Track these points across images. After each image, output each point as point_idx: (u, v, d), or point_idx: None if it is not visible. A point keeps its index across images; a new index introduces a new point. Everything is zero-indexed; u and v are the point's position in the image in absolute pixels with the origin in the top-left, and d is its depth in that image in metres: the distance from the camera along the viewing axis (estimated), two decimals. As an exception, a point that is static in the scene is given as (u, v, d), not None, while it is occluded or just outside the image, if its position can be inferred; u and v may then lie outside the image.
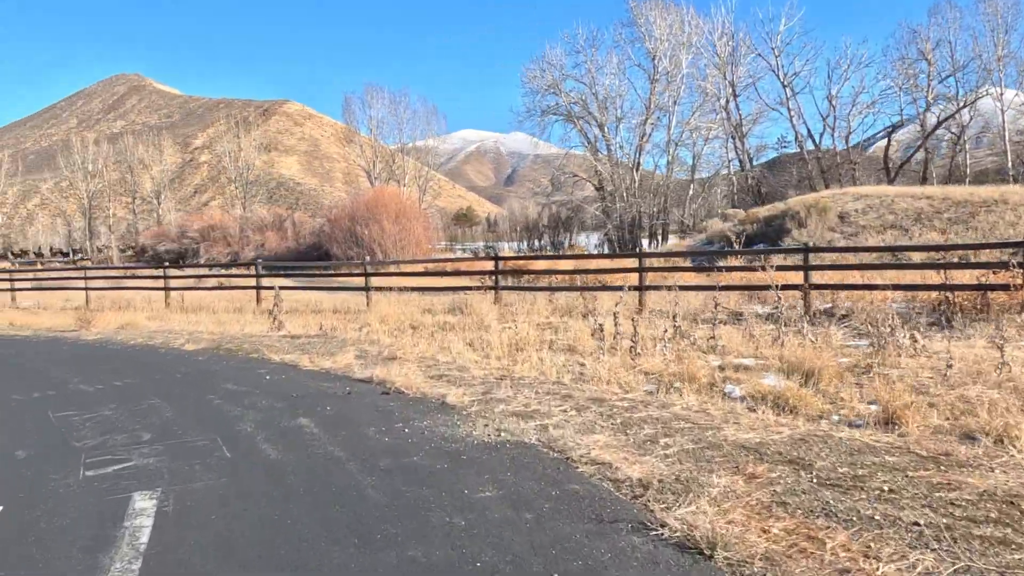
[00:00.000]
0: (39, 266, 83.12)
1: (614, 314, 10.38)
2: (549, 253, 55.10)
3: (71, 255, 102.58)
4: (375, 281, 20.76)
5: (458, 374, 9.01)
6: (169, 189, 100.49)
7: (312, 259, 66.71)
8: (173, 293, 24.12)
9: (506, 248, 74.48)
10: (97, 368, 10.71)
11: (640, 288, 16.31)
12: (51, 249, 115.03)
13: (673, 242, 63.84)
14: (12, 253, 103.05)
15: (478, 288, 19.21)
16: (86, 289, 25.73)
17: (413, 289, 20.30)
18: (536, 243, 73.52)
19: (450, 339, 12.41)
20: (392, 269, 24.56)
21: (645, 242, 63.78)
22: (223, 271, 41.18)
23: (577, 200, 74.95)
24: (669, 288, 16.26)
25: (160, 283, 26.24)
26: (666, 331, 10.09)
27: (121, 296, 26.43)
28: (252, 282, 24.93)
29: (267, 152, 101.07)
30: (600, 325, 10.16)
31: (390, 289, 19.99)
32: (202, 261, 78.44)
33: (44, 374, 10.36)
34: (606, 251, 63.82)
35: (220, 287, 26.89)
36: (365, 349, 11.46)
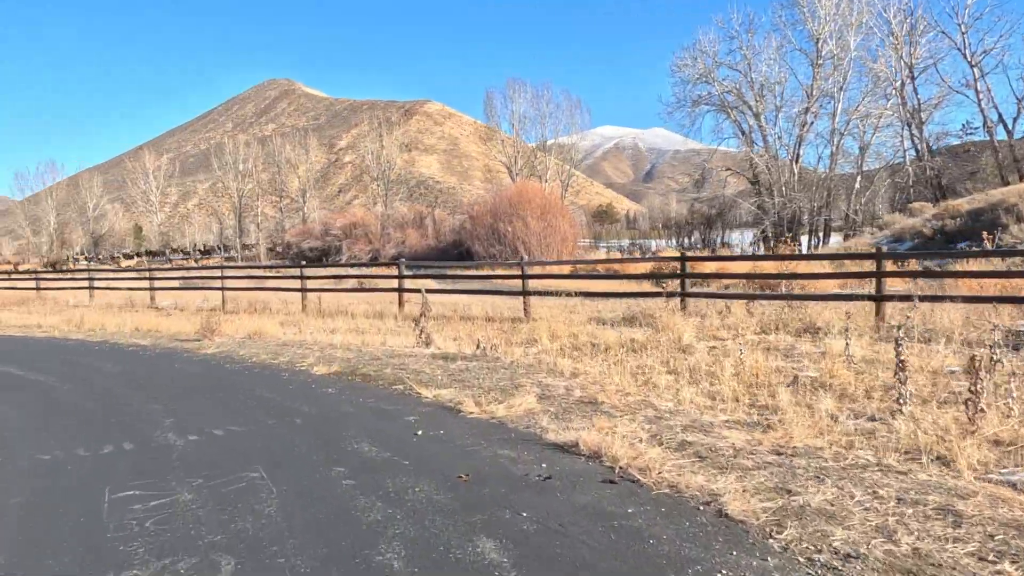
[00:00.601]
0: (172, 263, 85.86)
1: (845, 331, 6.98)
2: (725, 253, 50.88)
3: (212, 252, 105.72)
4: (531, 284, 17.88)
5: (704, 439, 5.89)
6: (314, 188, 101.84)
7: (452, 257, 65.04)
8: (310, 295, 22.07)
9: (654, 246, 70.72)
10: (202, 402, 8.21)
11: (879, 298, 12.68)
12: (203, 246, 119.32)
13: (837, 241, 58.37)
14: (171, 249, 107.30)
15: (655, 294, 16.01)
16: (222, 289, 24.13)
17: (577, 294, 17.30)
18: (686, 240, 69.48)
19: (648, 365, 9.31)
20: (554, 270, 21.72)
21: (804, 240, 58.68)
22: (364, 270, 39.61)
23: (729, 196, 70.34)
24: (906, 298, 12.61)
25: (296, 284, 24.38)
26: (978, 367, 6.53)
27: (256, 298, 24.74)
28: (394, 283, 22.65)
29: (408, 151, 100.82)
30: (847, 349, 6.75)
31: (547, 293, 17.06)
32: (344, 259, 78.51)
33: (135, 410, 7.93)
34: (760, 250, 59.03)
35: (360, 288, 24.77)
36: (545, 382, 8.50)
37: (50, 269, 69.62)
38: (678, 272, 15.44)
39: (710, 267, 20.38)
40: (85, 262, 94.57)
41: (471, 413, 7.10)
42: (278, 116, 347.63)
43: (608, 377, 8.57)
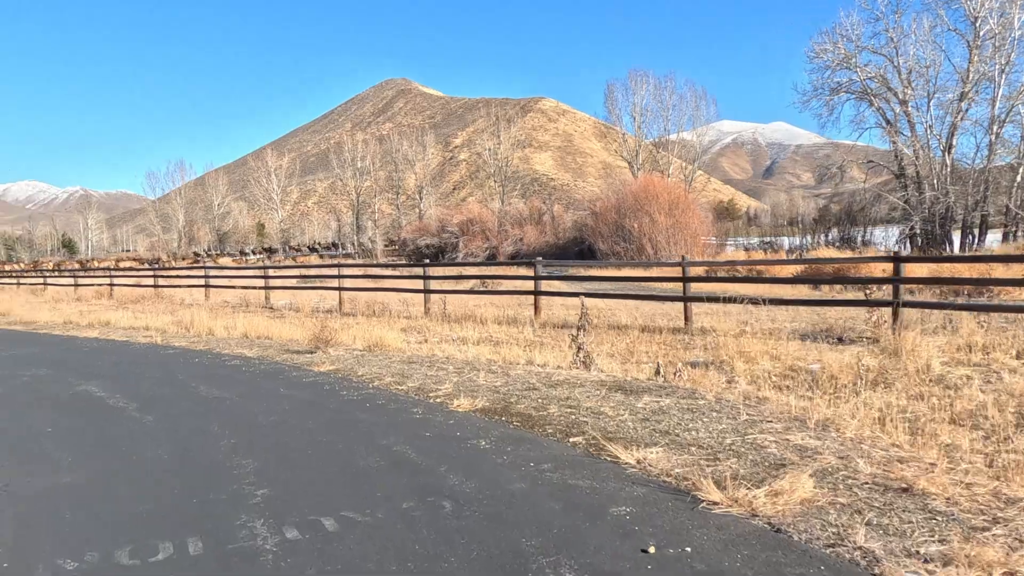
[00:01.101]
0: (280, 259, 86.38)
1: None
2: (875, 254, 46.50)
3: (331, 249, 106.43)
4: (661, 285, 15.08)
5: None
6: (431, 185, 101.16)
7: (573, 255, 62.47)
8: (434, 296, 19.93)
9: (787, 244, 66.25)
10: (310, 459, 5.90)
11: None
12: (321, 244, 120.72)
13: (995, 239, 52.68)
14: (290, 247, 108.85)
15: (858, 303, 13.00)
16: (339, 289, 22.30)
17: (746, 300, 14.43)
18: (821, 238, 64.81)
19: (902, 406, 6.51)
20: (723, 271, 18.84)
21: (956, 238, 53.41)
22: (490, 269, 37.50)
23: (870, 190, 65.09)
24: None
25: (417, 283, 22.35)
26: None
27: (375, 299, 22.84)
28: (524, 284, 20.33)
29: (522, 148, 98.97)
30: None
31: (724, 299, 14.22)
32: (460, 256, 77.06)
33: (219, 468, 5.70)
34: (908, 249, 53.97)
35: (484, 290, 22.51)
36: (793, 441, 5.80)
37: (154, 265, 70.85)
38: (891, 276, 12.35)
39: (922, 270, 17.11)
40: (206, 257, 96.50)
41: (715, 505, 4.48)
42: (395, 115, 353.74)
43: (888, 437, 5.81)
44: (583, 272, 25.44)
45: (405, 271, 27.70)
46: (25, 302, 29.29)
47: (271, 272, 26.24)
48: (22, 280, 39.22)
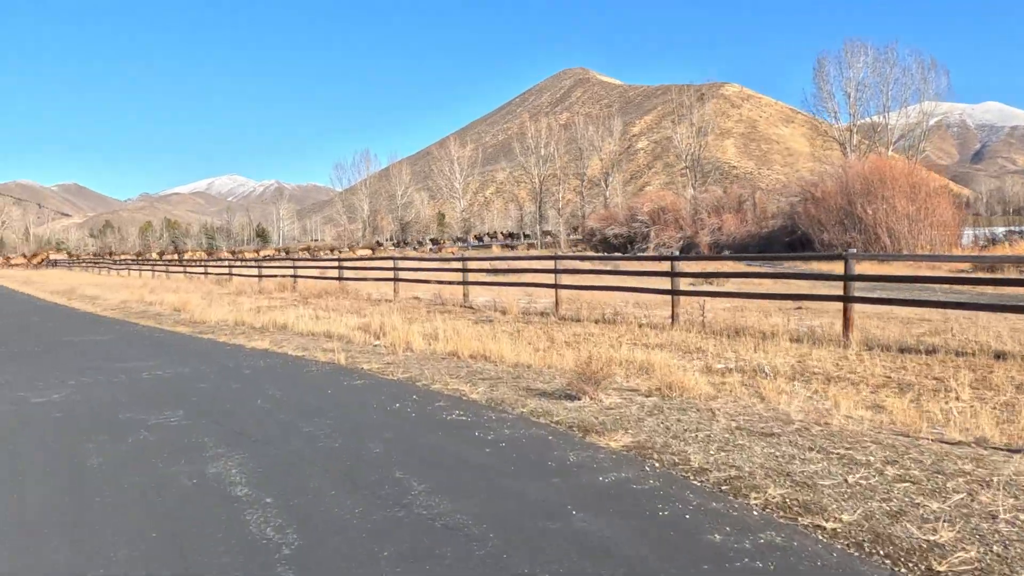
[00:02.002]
0: (452, 250, 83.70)
1: None
2: None
3: (514, 238, 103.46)
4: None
5: None
6: (615, 172, 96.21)
7: (781, 245, 55.71)
8: (681, 299, 15.20)
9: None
10: None
11: None
12: (501, 233, 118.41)
13: None
14: (475, 236, 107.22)
15: None
16: (556, 287, 17.95)
17: None
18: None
19: None
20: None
21: None
22: (723, 264, 32.28)
23: None
24: None
25: (654, 281, 17.67)
26: None
27: (597, 299, 18.41)
28: (814, 288, 15.31)
29: (703, 135, 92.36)
30: None
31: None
32: (651, 246, 71.71)
33: None
34: None
35: (724, 291, 17.53)
36: None
37: (315, 256, 69.66)
38: None
39: None
40: (392, 248, 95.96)
41: None
42: (572, 105, 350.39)
43: None
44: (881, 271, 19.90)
45: (629, 264, 23.05)
46: (206, 294, 26.98)
47: (470, 265, 22.41)
48: (209, 269, 37.83)
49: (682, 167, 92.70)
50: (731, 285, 20.66)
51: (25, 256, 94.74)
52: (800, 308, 18.21)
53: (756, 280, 20.55)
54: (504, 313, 17.96)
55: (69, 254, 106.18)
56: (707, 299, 16.41)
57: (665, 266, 17.00)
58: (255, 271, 31.84)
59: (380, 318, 16.11)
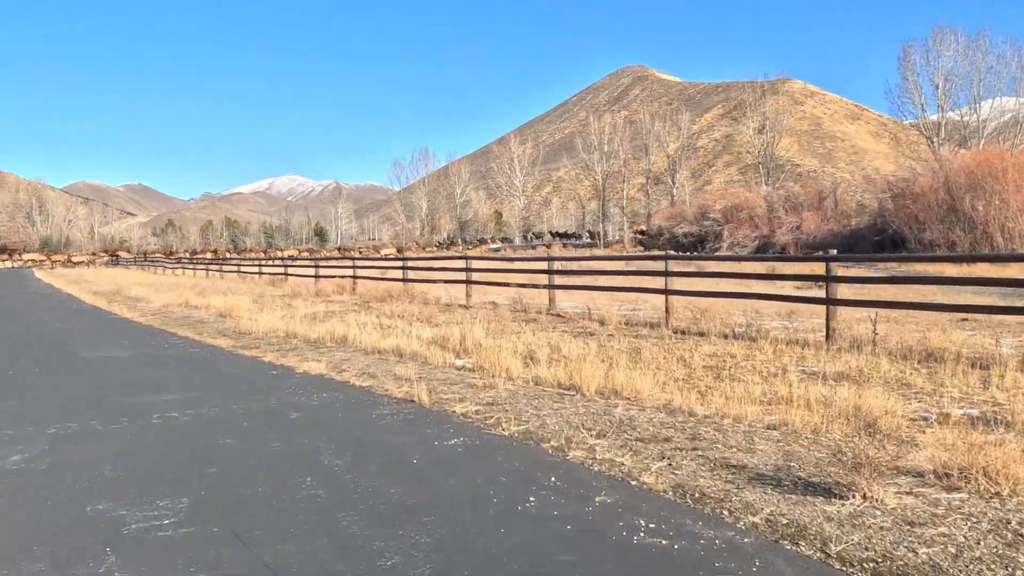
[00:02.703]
0: (507, 250, 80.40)
1: None
2: None
3: (575, 237, 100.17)
4: None
5: None
6: (683, 169, 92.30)
7: (869, 245, 51.58)
8: (839, 311, 12.09)
9: None
10: None
11: None
12: (562, 232, 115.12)
13: None
14: (533, 234, 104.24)
15: None
16: (666, 293, 14.90)
17: None
18: None
19: None
20: None
21: None
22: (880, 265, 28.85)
23: None
24: None
25: (786, 287, 14.54)
26: None
27: (717, 306, 15.40)
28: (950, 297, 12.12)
29: (772, 131, 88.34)
30: None
31: None
32: (724, 246, 67.92)
33: None
34: None
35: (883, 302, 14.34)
36: None
37: (385, 255, 67.37)
38: None
39: None
40: (461, 245, 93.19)
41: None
42: (630, 103, 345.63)
43: None
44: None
45: (751, 266, 19.89)
46: (258, 296, 24.53)
47: (556, 265, 19.43)
48: (264, 268, 35.54)
49: (743, 165, 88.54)
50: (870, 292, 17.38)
51: (86, 254, 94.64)
52: (966, 320, 14.89)
53: (914, 287, 17.27)
54: (603, 324, 15.00)
55: (127, 252, 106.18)
56: (844, 308, 13.34)
57: (752, 267, 13.86)
58: (312, 271, 29.36)
59: (458, 329, 13.28)
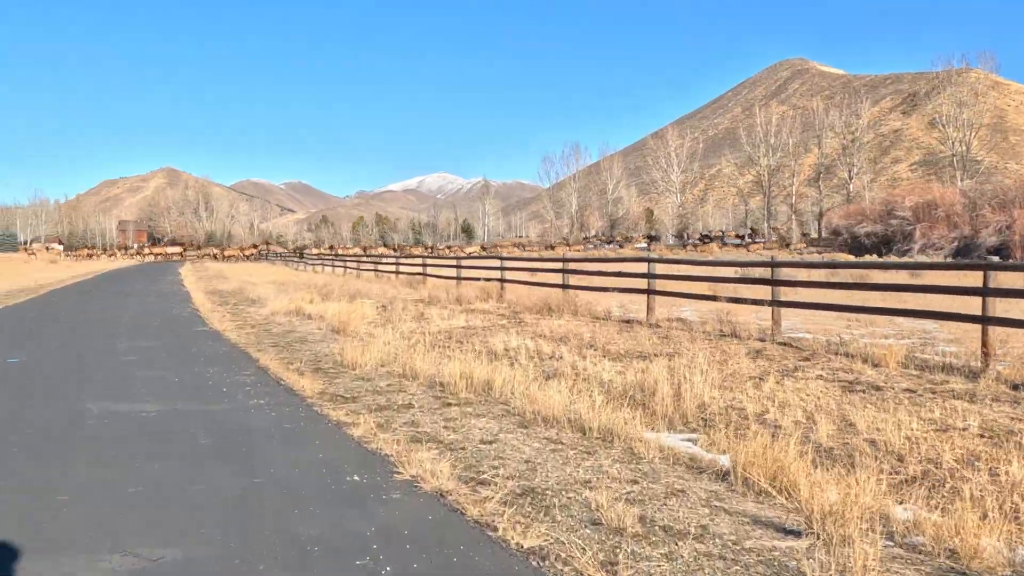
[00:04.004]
0: (657, 249, 73.12)
1: None
2: None
3: (744, 237, 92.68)
4: None
5: None
6: (866, 162, 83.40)
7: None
8: None
9: None
10: None
11: None
12: (723, 232, 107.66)
13: None
14: (688, 233, 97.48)
15: None
16: (984, 321, 9.47)
17: None
18: None
19: None
20: None
21: None
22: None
23: None
24: None
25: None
26: None
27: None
28: None
29: (946, 126, 78.28)
30: None
31: None
32: (916, 248, 59.79)
33: None
34: None
35: None
36: None
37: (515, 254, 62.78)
38: None
39: None
40: (644, 242, 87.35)
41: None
42: (789, 97, 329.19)
43: None
44: None
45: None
46: (389, 302, 20.42)
47: (752, 272, 14.18)
48: (401, 267, 31.71)
49: (912, 162, 78.97)
50: None
51: (234, 249, 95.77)
52: None
53: None
54: (876, 366, 9.68)
55: (276, 247, 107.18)
56: None
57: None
58: (453, 271, 25.14)
59: (659, 368, 8.43)
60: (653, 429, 6.98)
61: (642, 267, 16.50)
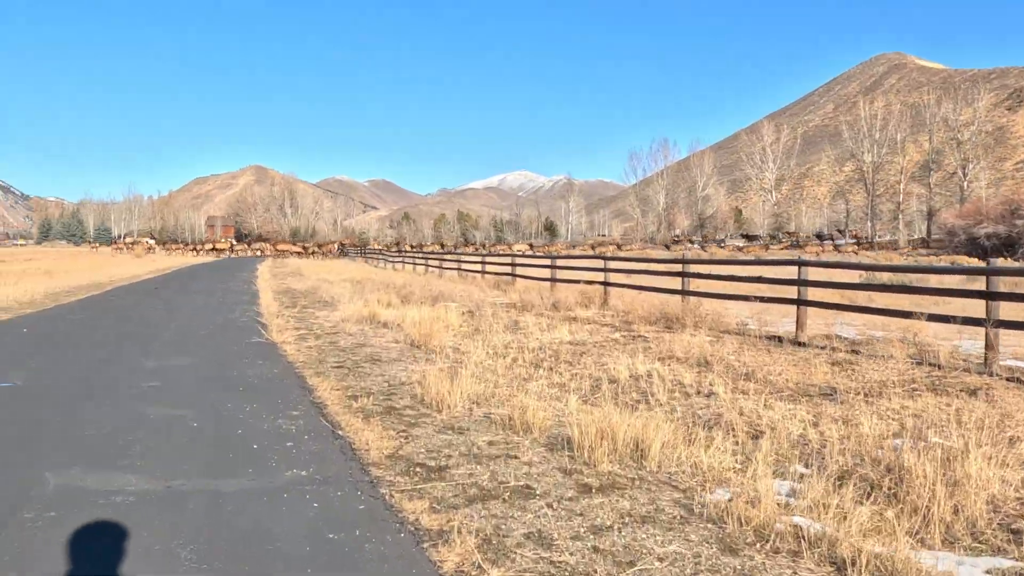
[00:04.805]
0: (749, 250, 68.25)
1: None
2: None
3: (844, 237, 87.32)
4: None
5: None
6: (983, 158, 77.35)
7: None
8: None
9: None
10: None
11: None
12: (816, 232, 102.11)
13: None
14: (787, 233, 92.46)
15: None
16: None
17: None
18: None
19: None
20: None
21: None
22: None
23: None
24: None
25: None
26: None
27: None
28: None
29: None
30: None
31: None
32: (1044, 252, 54.52)
33: None
34: None
35: None
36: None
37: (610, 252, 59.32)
38: None
39: None
40: (741, 241, 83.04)
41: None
42: (885, 93, 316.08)
43: None
44: None
45: None
46: (476, 306, 17.79)
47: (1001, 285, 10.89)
48: (488, 265, 29.05)
49: (1018, 161, 72.92)
50: None
51: (313, 244, 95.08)
52: None
53: None
54: None
55: (355, 244, 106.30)
56: None
57: None
58: (546, 272, 22.38)
59: (875, 422, 5.49)
60: (925, 544, 4.12)
61: (787, 271, 13.42)
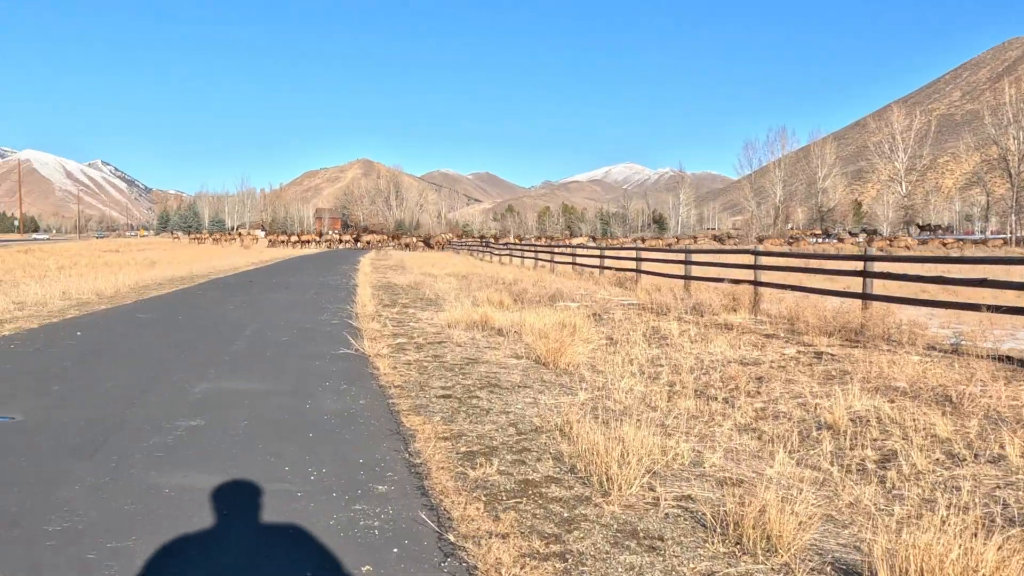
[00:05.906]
0: (883, 245, 62.27)
1: None
2: None
3: (986, 231, 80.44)
4: None
5: None
6: None
7: None
8: None
9: None
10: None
11: None
12: (925, 225, 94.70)
13: None
14: (918, 226, 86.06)
15: None
16: None
17: None
18: None
19: None
20: None
21: None
22: None
23: None
24: None
25: None
26: None
27: None
28: None
29: None
30: None
31: None
32: None
33: None
34: None
35: None
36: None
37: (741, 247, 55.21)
38: None
39: None
40: (862, 236, 77.59)
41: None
42: (1018, 80, 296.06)
43: None
44: None
45: None
46: (602, 309, 15.19)
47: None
48: (607, 259, 26.28)
49: None
50: None
51: (414, 235, 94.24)
52: None
53: None
54: None
55: (459, 236, 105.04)
56: None
57: None
58: (679, 267, 19.56)
59: None
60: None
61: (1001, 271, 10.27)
